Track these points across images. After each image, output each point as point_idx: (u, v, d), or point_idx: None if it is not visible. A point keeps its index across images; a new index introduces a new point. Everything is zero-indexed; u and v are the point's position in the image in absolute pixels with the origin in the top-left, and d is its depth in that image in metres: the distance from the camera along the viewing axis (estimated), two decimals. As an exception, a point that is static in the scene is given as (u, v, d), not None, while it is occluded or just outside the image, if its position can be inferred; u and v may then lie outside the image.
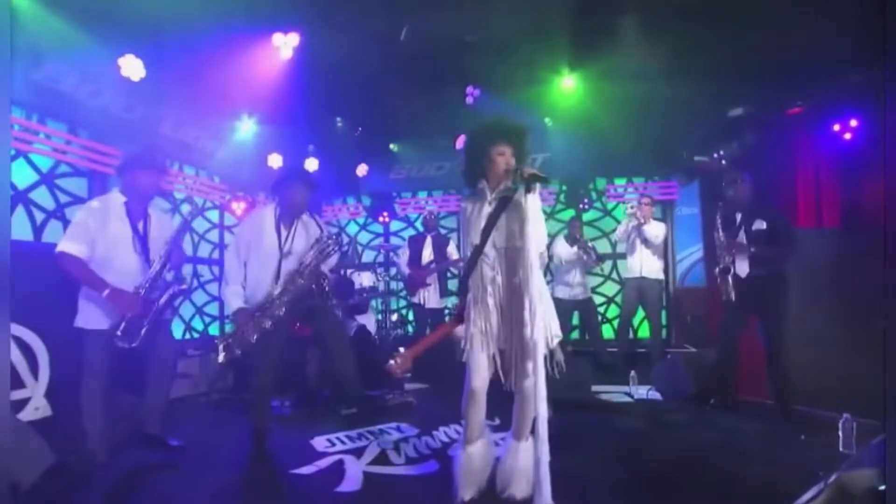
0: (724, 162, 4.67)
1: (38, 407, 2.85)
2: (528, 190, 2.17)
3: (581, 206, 6.31)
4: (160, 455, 2.83)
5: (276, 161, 6.07)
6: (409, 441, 3.26)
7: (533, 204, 2.21)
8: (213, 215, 6.12)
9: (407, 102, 5.14)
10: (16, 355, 2.76)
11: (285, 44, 4.02)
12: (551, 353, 2.25)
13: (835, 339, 3.48)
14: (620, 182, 6.68)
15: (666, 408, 3.93)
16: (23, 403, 2.79)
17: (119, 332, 2.67)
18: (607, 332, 6.51)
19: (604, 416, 3.79)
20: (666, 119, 5.28)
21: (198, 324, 5.81)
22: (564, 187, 6.65)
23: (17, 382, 2.77)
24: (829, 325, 3.56)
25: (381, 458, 2.98)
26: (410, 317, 6.61)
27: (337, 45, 4.21)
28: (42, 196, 4.20)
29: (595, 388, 4.47)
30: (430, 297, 5.39)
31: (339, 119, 5.70)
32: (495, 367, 2.23)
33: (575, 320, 5.63)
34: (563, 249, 5.33)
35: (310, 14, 3.92)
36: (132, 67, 3.88)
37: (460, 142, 6.16)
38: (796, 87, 4.45)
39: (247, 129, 5.63)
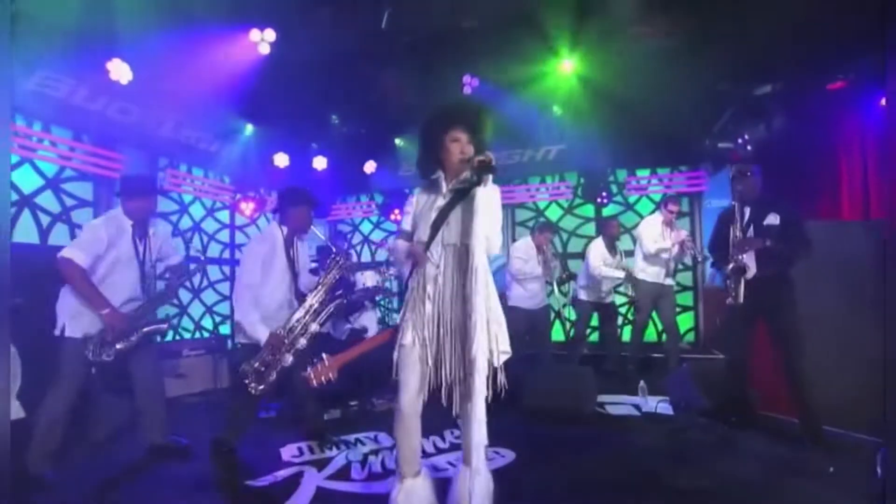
0: (749, 148, 4.15)
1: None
2: (479, 181, 1.95)
3: (599, 200, 5.89)
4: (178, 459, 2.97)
5: (282, 160, 6.08)
6: (379, 454, 3.09)
7: (484, 198, 1.97)
8: (224, 215, 6.21)
9: (405, 96, 4.93)
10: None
11: (262, 40, 3.94)
12: (495, 371, 2.00)
13: (877, 351, 2.96)
14: (643, 173, 6.18)
15: (676, 425, 3.52)
16: (-6, 404, 2.84)
17: (94, 347, 2.73)
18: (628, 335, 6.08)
19: (603, 432, 3.45)
20: (688, 101, 4.80)
21: (208, 322, 5.90)
22: (582, 180, 6.24)
23: (-11, 384, 2.81)
24: (875, 332, 3.04)
25: (343, 472, 2.83)
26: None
27: (321, 39, 4.08)
28: (48, 200, 4.36)
29: (603, 397, 4.14)
30: None
31: (334, 116, 5.58)
32: (430, 384, 2.00)
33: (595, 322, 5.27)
34: (599, 253, 4.91)
35: (289, 8, 3.81)
36: (120, 71, 3.92)
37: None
38: (838, 56, 3.86)
39: (248, 129, 5.65)
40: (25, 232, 4.21)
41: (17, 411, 2.95)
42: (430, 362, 1.97)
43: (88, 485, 2.65)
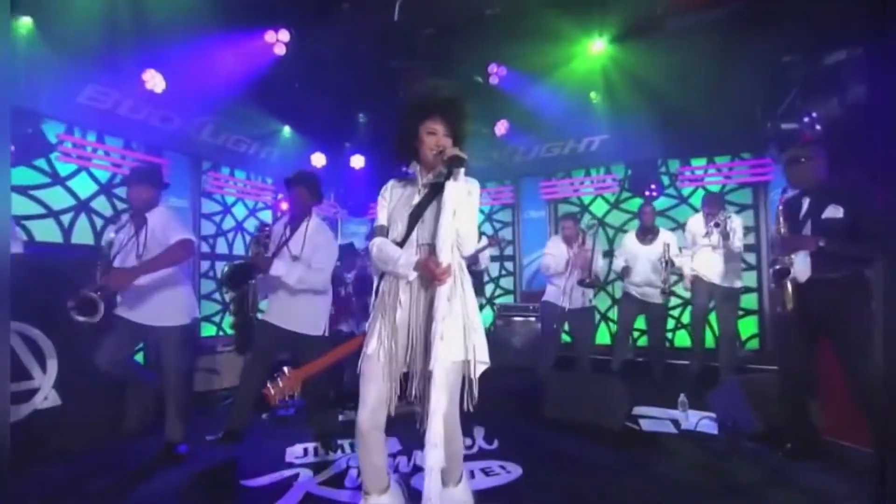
0: (818, 127, 3.56)
1: (46, 397, 3.16)
2: (449, 175, 1.82)
3: (648, 193, 5.41)
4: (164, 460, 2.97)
5: (318, 160, 6.21)
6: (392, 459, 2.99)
7: (454, 193, 1.82)
8: (266, 215, 6.45)
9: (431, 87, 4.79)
10: (22, 350, 3.08)
11: (277, 40, 4.00)
12: (469, 382, 1.84)
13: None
14: (699, 163, 5.58)
15: (718, 448, 3.10)
16: (31, 393, 3.09)
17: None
18: (682, 339, 5.54)
19: (631, 451, 3.10)
20: (748, 78, 4.26)
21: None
22: (629, 172, 5.77)
23: (25, 374, 3.07)
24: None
25: (338, 478, 2.76)
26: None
27: (342, 35, 4.06)
28: (101, 205, 4.74)
29: (639, 409, 3.78)
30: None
31: (361, 115, 5.58)
32: (395, 397, 1.86)
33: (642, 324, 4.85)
34: (633, 244, 4.55)
35: (305, 6, 3.82)
36: (154, 80, 4.15)
37: (500, 127, 5.67)
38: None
39: (286, 131, 5.81)
40: (83, 234, 4.60)
41: (54, 399, 3.19)
42: (394, 374, 1.85)
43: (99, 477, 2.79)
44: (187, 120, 4.91)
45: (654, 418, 3.70)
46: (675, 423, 3.58)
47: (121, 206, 4.86)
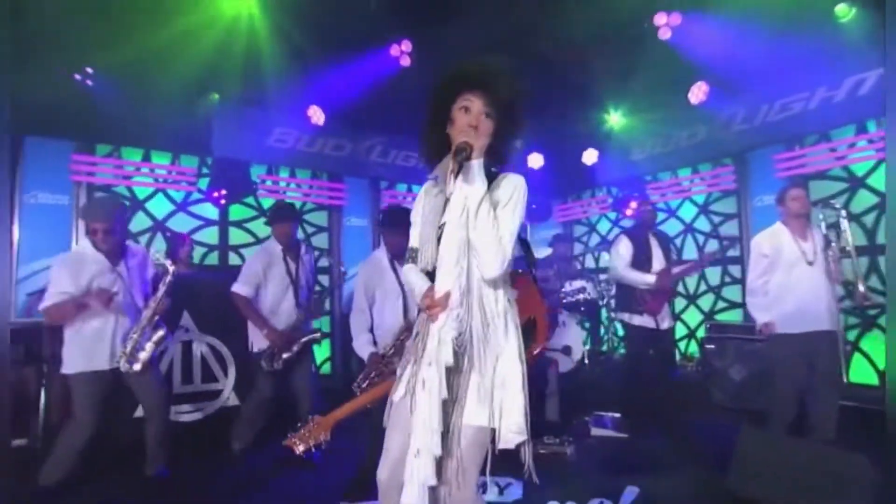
0: None
1: (228, 397, 3.84)
2: (459, 170, 1.46)
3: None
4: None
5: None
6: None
7: (461, 196, 1.48)
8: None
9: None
10: (210, 357, 3.83)
11: (402, 52, 4.03)
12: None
13: None
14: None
15: None
16: (217, 394, 3.81)
17: (266, 359, 3.26)
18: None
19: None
20: None
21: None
22: None
23: (212, 378, 3.81)
24: None
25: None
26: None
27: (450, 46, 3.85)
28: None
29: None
30: (664, 314, 3.85)
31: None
32: None
33: None
34: None
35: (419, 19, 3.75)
36: (316, 114, 4.71)
37: (698, 92, 4.42)
38: None
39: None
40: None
41: (233, 400, 3.86)
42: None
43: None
44: (357, 145, 5.41)
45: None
46: None
47: (310, 230, 5.64)
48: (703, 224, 5.54)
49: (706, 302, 5.51)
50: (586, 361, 4.76)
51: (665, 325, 3.77)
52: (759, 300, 3.19)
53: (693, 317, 5.63)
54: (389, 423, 1.59)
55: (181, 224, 4.79)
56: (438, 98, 1.55)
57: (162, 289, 2.81)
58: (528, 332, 1.70)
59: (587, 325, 5.13)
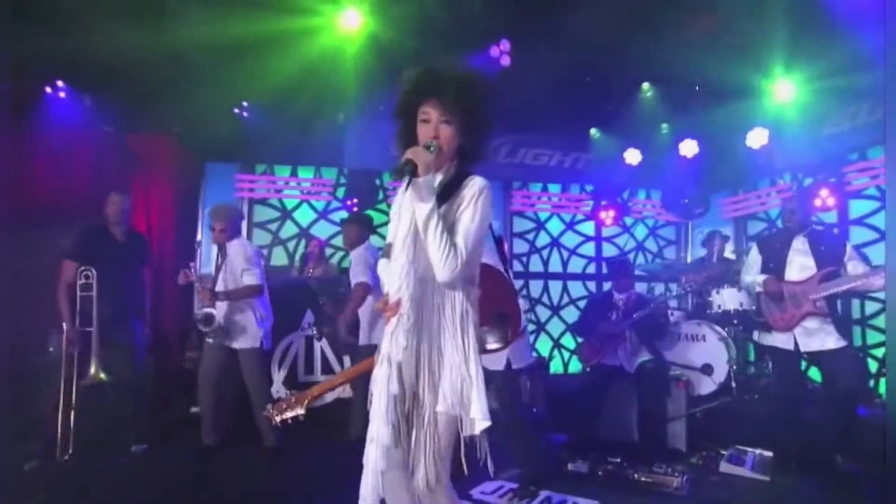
0: None
1: (344, 389, 4.24)
2: (409, 181, 1.54)
3: None
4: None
5: (633, 157, 5.48)
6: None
7: (409, 207, 1.58)
8: (587, 227, 6.18)
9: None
10: (328, 350, 4.29)
11: (501, 52, 4.06)
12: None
13: None
14: None
15: None
16: (334, 385, 4.27)
17: None
18: None
19: None
20: None
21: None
22: None
23: (330, 370, 4.28)
24: None
25: None
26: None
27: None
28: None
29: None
30: (811, 334, 3.08)
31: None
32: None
33: None
34: None
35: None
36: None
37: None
38: None
39: (595, 134, 5.54)
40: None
41: (348, 392, 4.24)
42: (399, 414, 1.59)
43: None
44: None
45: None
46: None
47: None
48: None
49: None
50: (733, 384, 3.93)
51: (813, 346, 3.02)
52: None
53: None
54: (373, 410, 1.62)
55: (322, 230, 5.50)
56: (400, 111, 1.63)
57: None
58: (500, 325, 1.82)
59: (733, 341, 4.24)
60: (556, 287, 6.13)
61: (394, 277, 1.59)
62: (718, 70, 4.35)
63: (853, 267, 3.02)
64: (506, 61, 4.08)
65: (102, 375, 3.30)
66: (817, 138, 4.70)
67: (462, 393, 1.52)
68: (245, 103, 4.77)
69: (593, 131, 5.69)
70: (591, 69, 4.65)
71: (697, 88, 4.87)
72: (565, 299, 6.10)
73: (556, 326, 6.04)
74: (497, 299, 1.84)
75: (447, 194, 1.56)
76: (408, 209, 1.60)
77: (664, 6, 3.79)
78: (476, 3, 3.97)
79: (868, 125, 4.34)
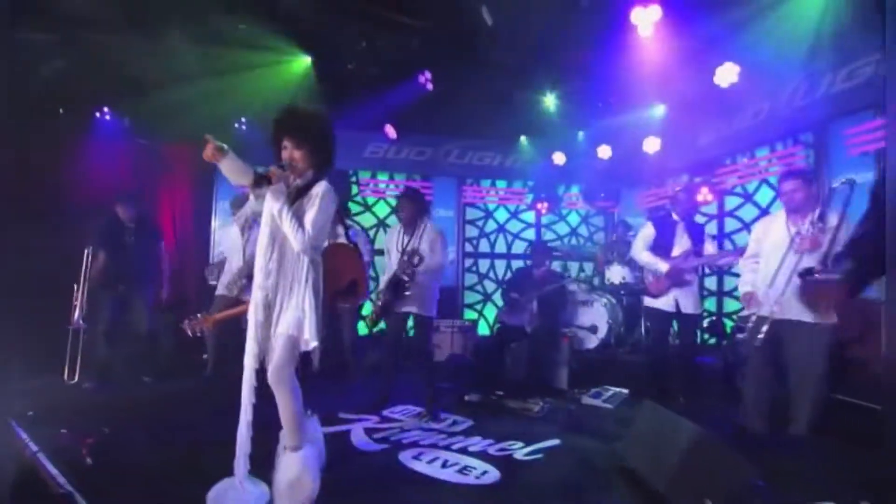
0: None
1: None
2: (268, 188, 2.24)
3: None
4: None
5: (559, 158, 6.73)
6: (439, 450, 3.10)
7: (272, 207, 2.22)
8: (528, 216, 7.48)
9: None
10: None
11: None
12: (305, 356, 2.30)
13: None
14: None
15: None
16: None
17: None
18: None
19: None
20: None
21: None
22: None
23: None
24: None
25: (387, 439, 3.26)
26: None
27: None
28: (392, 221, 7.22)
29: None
30: (686, 299, 4.01)
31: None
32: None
33: None
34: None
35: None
36: (391, 131, 6.20)
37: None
38: None
39: (523, 140, 6.85)
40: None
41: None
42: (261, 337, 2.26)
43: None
44: (435, 150, 6.78)
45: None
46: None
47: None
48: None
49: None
50: (612, 341, 5.25)
51: (689, 310, 4.01)
52: (745, 276, 3.35)
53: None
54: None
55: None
56: (272, 140, 2.30)
57: None
58: (351, 290, 2.76)
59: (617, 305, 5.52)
60: (501, 265, 7.46)
61: (260, 251, 2.25)
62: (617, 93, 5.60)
63: (708, 249, 4.07)
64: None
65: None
66: (696, 146, 5.96)
67: (300, 321, 2.16)
68: (243, 119, 6.05)
69: (522, 139, 6.98)
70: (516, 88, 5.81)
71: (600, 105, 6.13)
72: (509, 275, 7.38)
73: (500, 298, 7.38)
74: (351, 266, 2.80)
75: (302, 193, 2.24)
76: (268, 205, 2.23)
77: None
78: (414, 41, 5.11)
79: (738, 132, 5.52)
